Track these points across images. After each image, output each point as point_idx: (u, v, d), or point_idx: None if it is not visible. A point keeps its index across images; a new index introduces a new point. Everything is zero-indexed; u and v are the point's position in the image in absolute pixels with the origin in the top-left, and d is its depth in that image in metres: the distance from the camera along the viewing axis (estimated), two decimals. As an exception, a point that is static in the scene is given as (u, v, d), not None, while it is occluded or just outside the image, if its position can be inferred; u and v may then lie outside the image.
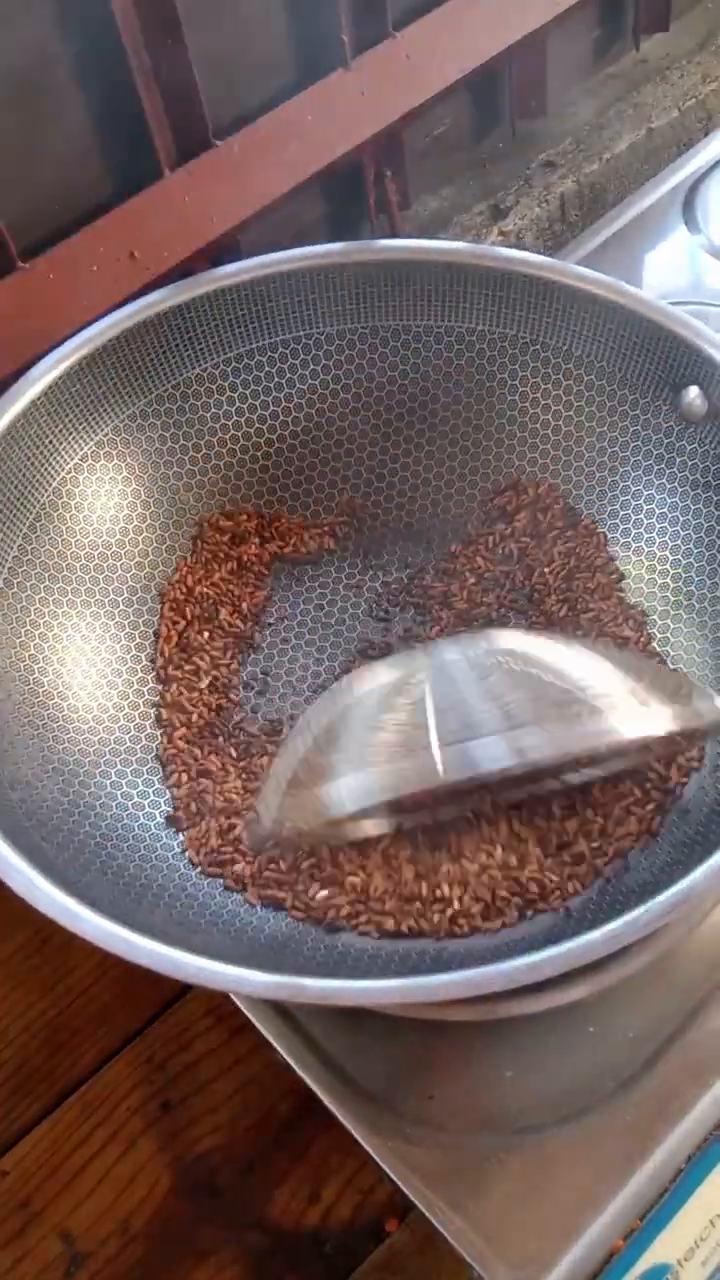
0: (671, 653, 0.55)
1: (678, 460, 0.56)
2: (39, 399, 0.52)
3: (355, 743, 0.45)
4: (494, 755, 0.43)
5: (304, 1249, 0.53)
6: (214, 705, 0.55)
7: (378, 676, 0.48)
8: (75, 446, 0.55)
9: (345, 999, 0.41)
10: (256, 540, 0.60)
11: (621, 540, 0.58)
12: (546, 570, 0.58)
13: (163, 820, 0.51)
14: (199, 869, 0.50)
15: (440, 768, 0.43)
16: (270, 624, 0.59)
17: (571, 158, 0.82)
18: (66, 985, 0.60)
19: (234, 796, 0.52)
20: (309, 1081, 0.49)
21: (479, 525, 0.60)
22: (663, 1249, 0.46)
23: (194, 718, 0.54)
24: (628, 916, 0.40)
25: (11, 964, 0.61)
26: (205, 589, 0.58)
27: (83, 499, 0.55)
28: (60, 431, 0.54)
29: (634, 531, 0.58)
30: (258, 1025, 0.51)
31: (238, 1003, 0.53)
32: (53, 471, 0.54)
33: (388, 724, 0.45)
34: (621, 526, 0.58)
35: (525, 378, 0.59)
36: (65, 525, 0.55)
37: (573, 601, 0.57)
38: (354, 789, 0.44)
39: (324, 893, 0.49)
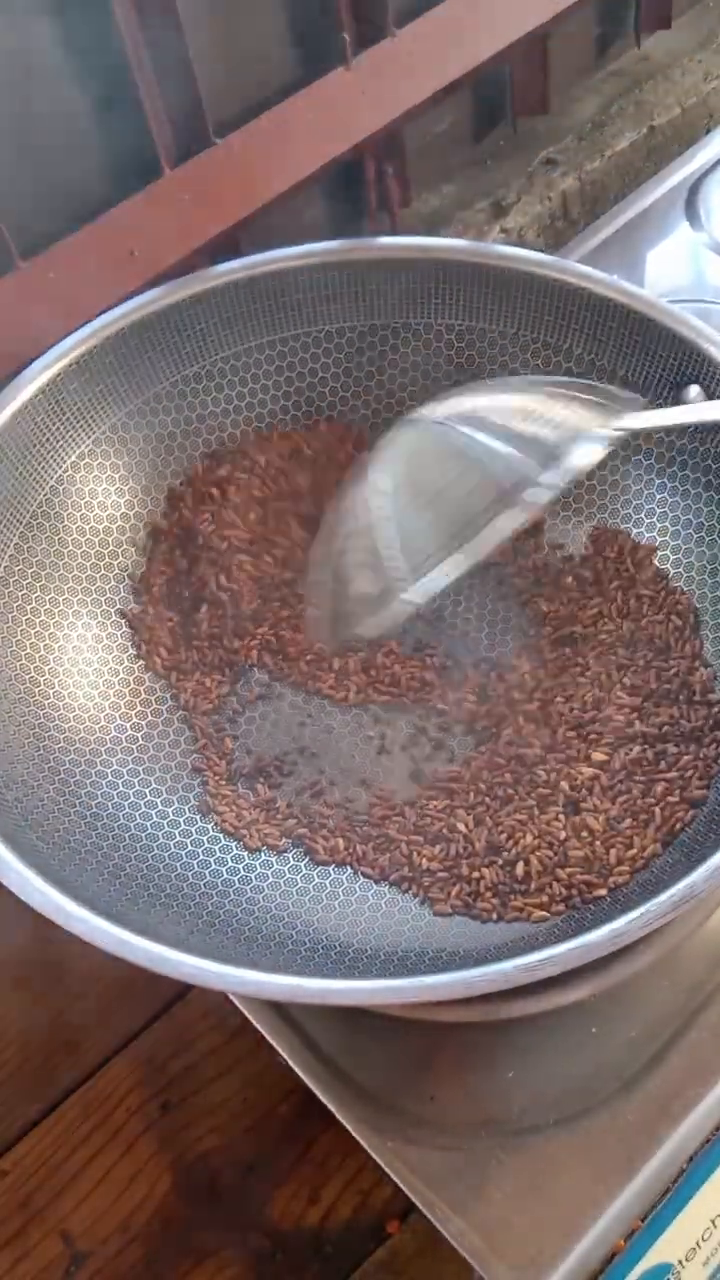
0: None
1: (679, 460, 0.56)
2: (37, 396, 0.52)
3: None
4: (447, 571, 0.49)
5: (304, 1249, 0.53)
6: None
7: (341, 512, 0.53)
8: (73, 444, 0.55)
9: (345, 999, 0.41)
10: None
11: (622, 539, 0.58)
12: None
13: (160, 820, 0.51)
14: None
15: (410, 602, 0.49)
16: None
17: (573, 155, 0.82)
18: (66, 985, 0.60)
19: None
20: (309, 1082, 0.49)
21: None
22: (664, 1249, 0.46)
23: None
24: (628, 916, 0.40)
25: (11, 964, 0.61)
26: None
27: (80, 496, 0.55)
28: (58, 429, 0.54)
29: (634, 531, 0.57)
30: (258, 1025, 0.51)
31: (237, 1003, 0.52)
32: (50, 469, 0.54)
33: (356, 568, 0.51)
34: (622, 526, 0.58)
35: (526, 376, 0.59)
36: (62, 523, 0.54)
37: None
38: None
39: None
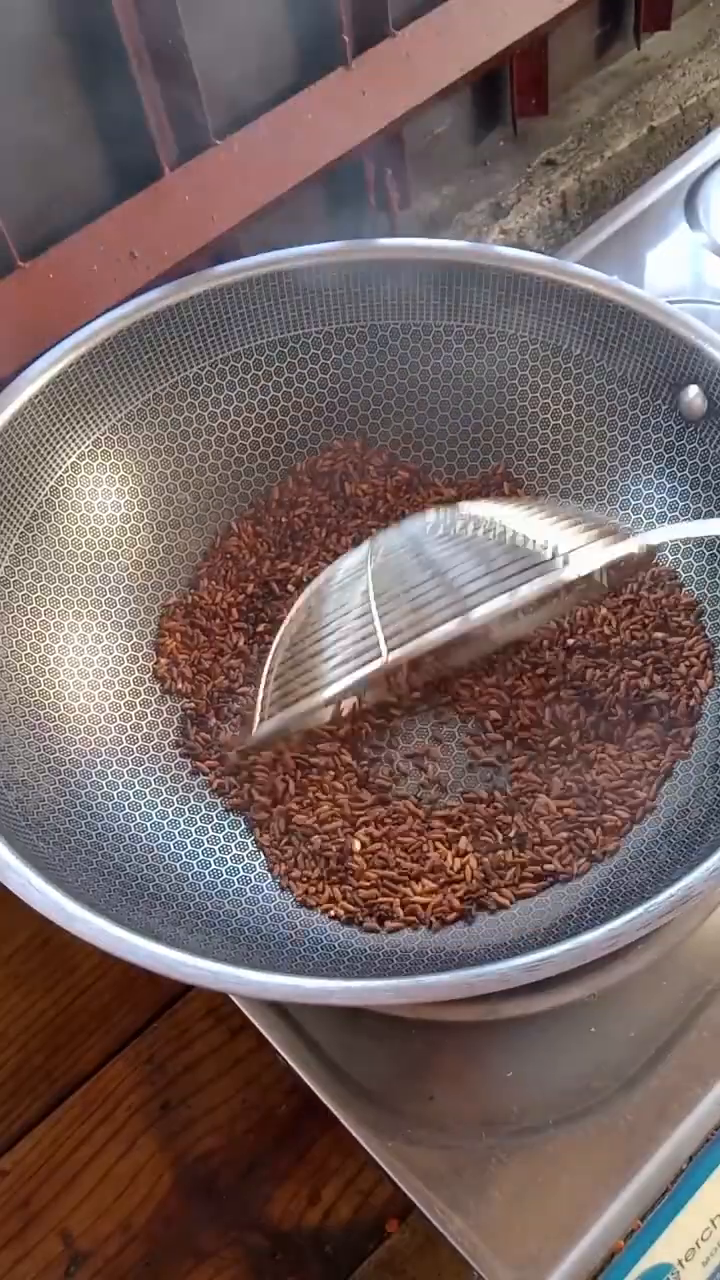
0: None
1: (678, 460, 0.56)
2: (36, 397, 0.52)
3: (314, 642, 0.50)
4: (435, 621, 0.46)
5: (304, 1249, 0.53)
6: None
7: (334, 573, 0.52)
8: (72, 445, 0.55)
9: (345, 999, 0.41)
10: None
11: (622, 539, 0.58)
12: None
13: (159, 820, 0.51)
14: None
15: (384, 650, 0.46)
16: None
17: (573, 156, 0.82)
18: (66, 985, 0.60)
19: None
20: (309, 1082, 0.49)
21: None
22: (664, 1249, 0.46)
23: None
24: (626, 916, 0.40)
25: (12, 964, 0.61)
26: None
27: (80, 498, 0.55)
28: (57, 430, 0.54)
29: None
30: (258, 1025, 0.51)
31: (237, 1003, 0.52)
32: (50, 470, 0.54)
33: (339, 619, 0.49)
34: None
35: (525, 377, 0.59)
36: (62, 524, 0.54)
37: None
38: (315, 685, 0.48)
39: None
